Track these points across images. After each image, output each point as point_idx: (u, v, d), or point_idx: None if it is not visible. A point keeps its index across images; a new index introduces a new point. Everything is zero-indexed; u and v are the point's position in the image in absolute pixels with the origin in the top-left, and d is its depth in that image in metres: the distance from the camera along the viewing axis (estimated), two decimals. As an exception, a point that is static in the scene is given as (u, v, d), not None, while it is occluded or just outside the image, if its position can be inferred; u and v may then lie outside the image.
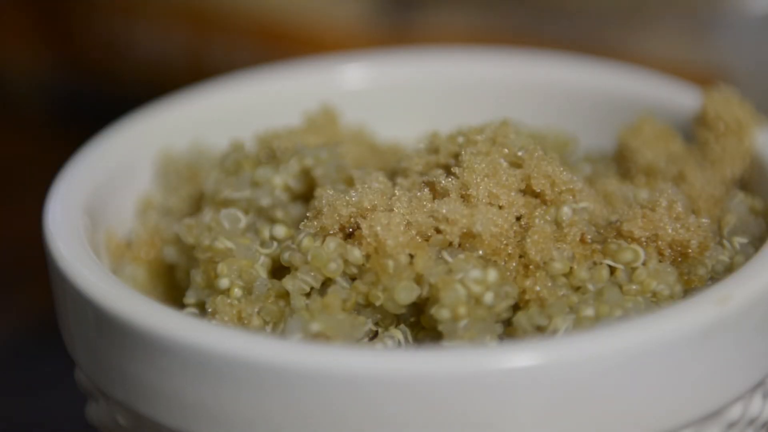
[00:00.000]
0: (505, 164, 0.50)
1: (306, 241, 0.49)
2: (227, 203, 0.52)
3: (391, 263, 0.48)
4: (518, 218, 0.49)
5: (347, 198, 0.49)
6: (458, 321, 0.46)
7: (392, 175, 0.53)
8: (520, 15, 0.79)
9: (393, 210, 0.49)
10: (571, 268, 0.48)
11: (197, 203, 0.56)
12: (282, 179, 0.53)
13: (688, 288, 0.49)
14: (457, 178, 0.50)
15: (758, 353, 0.47)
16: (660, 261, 0.49)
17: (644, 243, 0.49)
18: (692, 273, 0.49)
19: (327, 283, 0.48)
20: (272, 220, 0.52)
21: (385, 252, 0.48)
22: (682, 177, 0.54)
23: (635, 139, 0.56)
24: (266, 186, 0.53)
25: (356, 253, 0.48)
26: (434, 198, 0.50)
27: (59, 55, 0.95)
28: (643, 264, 0.49)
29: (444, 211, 0.48)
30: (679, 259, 0.49)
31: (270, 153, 0.54)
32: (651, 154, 0.55)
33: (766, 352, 0.47)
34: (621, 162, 0.56)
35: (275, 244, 0.50)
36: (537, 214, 0.49)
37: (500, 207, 0.49)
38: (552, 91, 0.63)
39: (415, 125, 0.62)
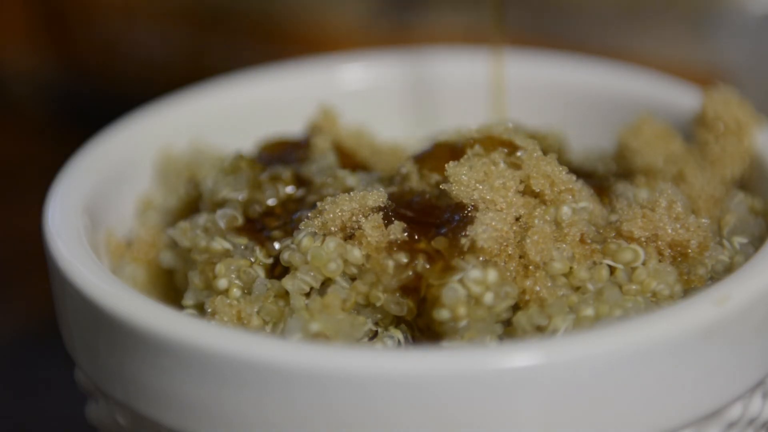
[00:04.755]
0: (503, 165, 0.50)
1: (306, 241, 0.49)
2: (225, 203, 0.52)
3: (391, 263, 0.48)
4: (517, 218, 0.49)
5: (348, 198, 0.49)
6: (458, 321, 0.46)
7: (391, 180, 0.53)
8: (520, 15, 0.79)
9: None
10: (570, 268, 0.48)
11: (197, 203, 0.56)
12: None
13: (688, 288, 0.49)
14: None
15: (758, 353, 0.47)
16: (660, 261, 0.49)
17: (644, 243, 0.49)
18: (692, 273, 0.49)
19: (327, 283, 0.48)
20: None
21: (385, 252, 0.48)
22: (682, 177, 0.54)
23: (635, 139, 0.56)
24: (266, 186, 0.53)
25: (356, 253, 0.48)
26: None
27: (59, 55, 0.95)
28: (643, 264, 0.49)
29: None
30: (679, 259, 0.49)
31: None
32: (651, 155, 0.55)
33: (766, 352, 0.47)
34: (621, 162, 0.56)
35: (275, 244, 0.50)
36: (536, 214, 0.49)
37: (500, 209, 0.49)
38: (552, 91, 0.63)
39: (415, 125, 0.62)
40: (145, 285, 0.55)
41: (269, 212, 0.52)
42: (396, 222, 0.48)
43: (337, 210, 0.49)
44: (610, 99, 0.62)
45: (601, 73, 0.62)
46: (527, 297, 0.48)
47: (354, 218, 0.49)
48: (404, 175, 0.52)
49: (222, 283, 0.49)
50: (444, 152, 0.52)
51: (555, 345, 0.44)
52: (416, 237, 0.48)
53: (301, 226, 0.49)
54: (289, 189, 0.52)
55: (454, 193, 0.49)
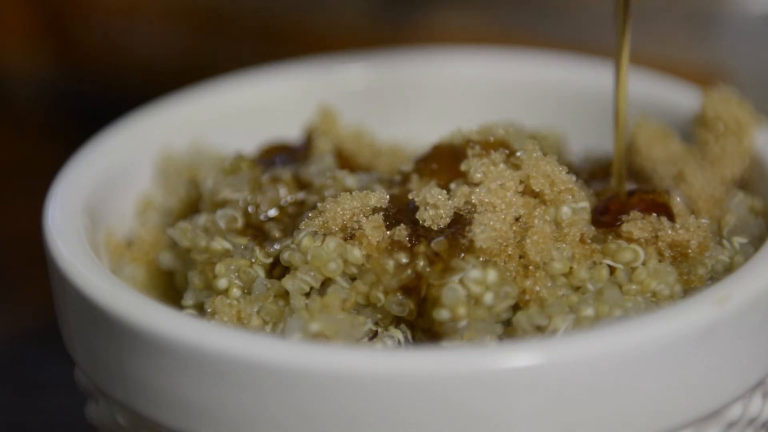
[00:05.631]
0: (503, 166, 0.50)
1: (306, 241, 0.49)
2: (225, 204, 0.52)
3: (391, 263, 0.48)
4: (517, 219, 0.49)
5: (350, 198, 0.49)
6: (458, 321, 0.46)
7: (391, 182, 0.53)
8: (520, 15, 0.79)
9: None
10: (570, 268, 0.48)
11: (197, 204, 0.56)
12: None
13: (688, 288, 0.49)
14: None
15: (758, 353, 0.47)
16: (660, 261, 0.49)
17: (644, 243, 0.49)
18: (692, 273, 0.49)
19: (327, 283, 0.48)
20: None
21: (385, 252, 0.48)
22: (682, 177, 0.54)
23: (635, 140, 0.56)
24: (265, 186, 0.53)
25: (356, 253, 0.48)
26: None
27: (59, 55, 0.95)
28: (643, 264, 0.49)
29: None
30: (679, 259, 0.49)
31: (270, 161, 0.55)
32: (650, 155, 0.55)
33: (766, 352, 0.47)
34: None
35: (275, 243, 0.50)
36: (536, 214, 0.49)
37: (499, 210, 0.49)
38: (552, 91, 0.63)
39: (415, 125, 0.62)
40: (145, 285, 0.55)
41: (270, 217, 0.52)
42: (402, 225, 0.48)
43: (338, 209, 0.49)
44: (610, 99, 0.61)
45: (600, 73, 0.62)
46: (527, 297, 0.48)
47: (355, 218, 0.49)
48: (404, 177, 0.52)
49: (222, 283, 0.49)
50: (444, 154, 0.52)
51: (555, 345, 0.44)
52: (416, 239, 0.48)
53: (302, 225, 0.49)
54: (290, 198, 0.52)
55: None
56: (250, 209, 0.52)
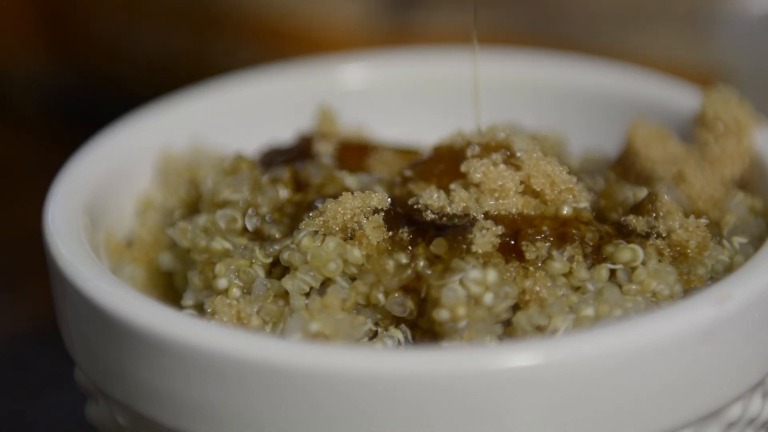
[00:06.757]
0: (503, 166, 0.50)
1: (305, 241, 0.49)
2: (225, 204, 0.52)
3: (391, 263, 0.48)
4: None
5: (351, 198, 0.49)
6: (458, 322, 0.46)
7: (391, 183, 0.53)
8: (520, 15, 0.79)
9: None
10: (570, 268, 0.48)
11: (197, 204, 0.56)
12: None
13: (688, 288, 0.49)
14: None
15: (758, 353, 0.47)
16: (660, 261, 0.49)
17: (643, 243, 0.49)
18: (692, 273, 0.49)
19: (327, 282, 0.48)
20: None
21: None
22: (682, 177, 0.54)
23: (634, 140, 0.56)
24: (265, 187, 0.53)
25: (356, 253, 0.48)
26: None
27: (59, 55, 0.95)
28: (643, 264, 0.49)
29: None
30: (679, 259, 0.49)
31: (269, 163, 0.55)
32: (649, 155, 0.55)
33: (766, 352, 0.47)
34: (622, 162, 0.56)
35: (275, 243, 0.50)
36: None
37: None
38: (552, 92, 0.63)
39: (414, 125, 0.62)
40: (145, 285, 0.55)
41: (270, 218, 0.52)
42: (403, 227, 0.48)
43: (339, 209, 0.49)
44: (610, 99, 0.62)
45: (600, 74, 0.62)
46: (527, 297, 0.48)
47: (355, 218, 0.49)
48: (404, 178, 0.52)
49: (222, 283, 0.49)
50: (444, 156, 0.52)
51: (555, 345, 0.44)
52: (417, 241, 0.48)
53: (302, 225, 0.49)
54: (288, 199, 0.52)
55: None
56: (250, 211, 0.52)
